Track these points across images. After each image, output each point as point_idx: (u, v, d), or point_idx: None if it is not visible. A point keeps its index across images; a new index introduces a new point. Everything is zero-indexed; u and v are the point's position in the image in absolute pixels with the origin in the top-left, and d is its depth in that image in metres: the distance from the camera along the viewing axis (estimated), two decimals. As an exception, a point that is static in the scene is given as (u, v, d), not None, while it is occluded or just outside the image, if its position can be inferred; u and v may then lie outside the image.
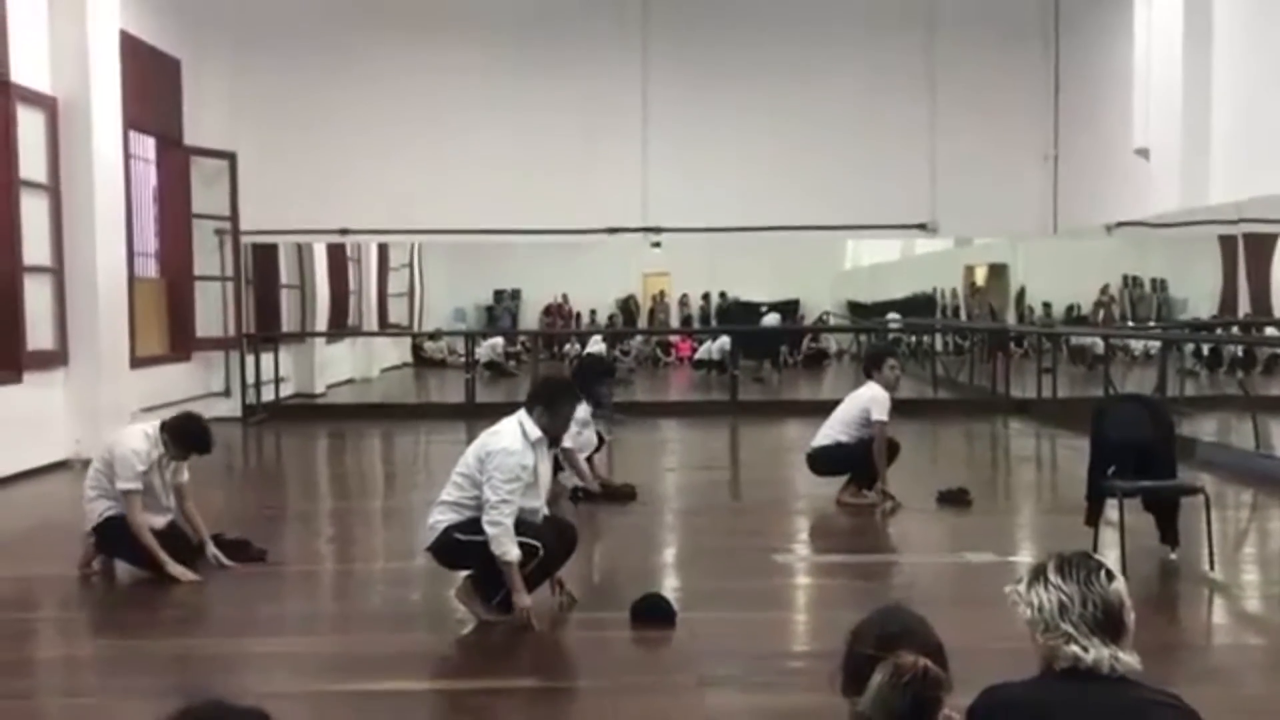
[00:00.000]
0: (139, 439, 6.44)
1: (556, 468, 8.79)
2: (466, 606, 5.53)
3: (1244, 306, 18.49)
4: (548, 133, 14.80)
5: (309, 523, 8.77)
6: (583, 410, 8.82)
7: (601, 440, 9.67)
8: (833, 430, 8.61)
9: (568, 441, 8.60)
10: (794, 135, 14.94)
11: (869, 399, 8.44)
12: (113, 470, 6.36)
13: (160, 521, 6.49)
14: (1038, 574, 2.55)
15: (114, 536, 6.40)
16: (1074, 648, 2.46)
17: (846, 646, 2.40)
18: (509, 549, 5.28)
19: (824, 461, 8.67)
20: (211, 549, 6.58)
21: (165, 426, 6.55)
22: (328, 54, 14.74)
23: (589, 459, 9.21)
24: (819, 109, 14.94)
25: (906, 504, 8.31)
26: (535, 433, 5.49)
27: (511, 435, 5.47)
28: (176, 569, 6.32)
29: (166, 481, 6.52)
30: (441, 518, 5.51)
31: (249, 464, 12.75)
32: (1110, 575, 2.53)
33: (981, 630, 4.09)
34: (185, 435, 6.54)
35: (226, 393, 14.66)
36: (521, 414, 5.56)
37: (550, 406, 5.58)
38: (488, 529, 5.31)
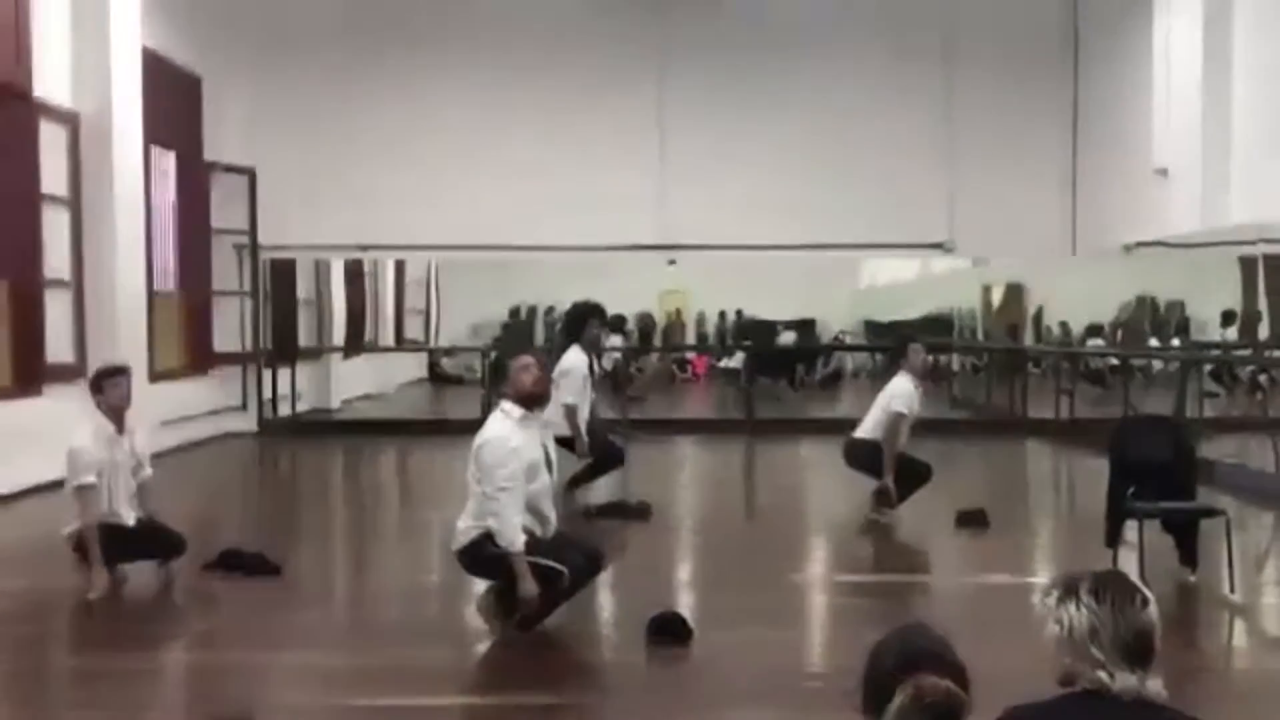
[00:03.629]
0: (84, 435, 6.48)
1: (573, 484, 8.85)
2: (485, 622, 5.53)
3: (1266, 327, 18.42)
4: (565, 150, 14.83)
5: (324, 537, 8.78)
6: (579, 359, 8.73)
7: (622, 458, 9.58)
8: (866, 426, 8.61)
9: (567, 398, 8.53)
10: (812, 154, 14.93)
11: (892, 390, 8.42)
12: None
13: (113, 520, 6.46)
14: (1070, 591, 2.50)
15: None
16: (1101, 673, 2.42)
17: (867, 665, 2.37)
18: (512, 538, 5.27)
19: (854, 454, 8.67)
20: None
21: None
22: (346, 72, 14.82)
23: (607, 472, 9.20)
24: (836, 128, 14.93)
25: (926, 524, 8.27)
26: (516, 411, 5.49)
27: (494, 423, 5.49)
28: (96, 574, 6.28)
29: (122, 480, 6.51)
30: (473, 524, 5.47)
31: (265, 479, 12.78)
32: (1145, 601, 2.48)
33: (1001, 652, 4.06)
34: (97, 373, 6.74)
35: (244, 407, 14.70)
36: (500, 403, 5.60)
37: (507, 374, 5.64)
38: (489, 522, 5.30)
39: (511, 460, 5.31)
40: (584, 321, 9.05)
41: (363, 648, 5.55)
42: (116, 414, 6.56)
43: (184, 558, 6.72)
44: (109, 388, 6.57)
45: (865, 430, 8.60)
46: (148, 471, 6.83)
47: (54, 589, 6.54)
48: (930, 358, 8.92)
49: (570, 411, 8.59)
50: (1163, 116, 11.99)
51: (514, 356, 5.73)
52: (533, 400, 5.57)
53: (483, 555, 5.43)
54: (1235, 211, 11.03)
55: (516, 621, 5.40)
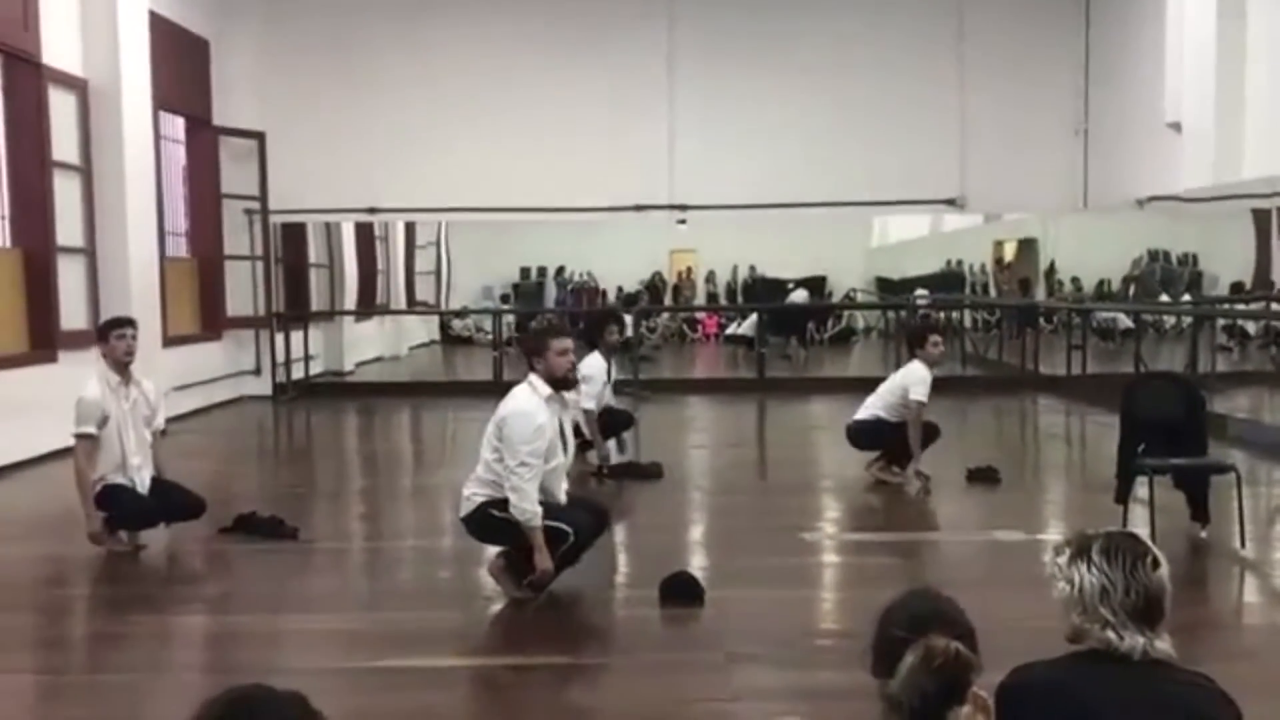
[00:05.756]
0: (92, 386, 6.51)
1: (583, 446, 8.90)
2: (498, 583, 5.57)
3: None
4: (574, 110, 14.79)
5: (339, 500, 8.84)
6: (599, 365, 8.83)
7: (632, 421, 9.69)
8: (874, 406, 8.59)
9: (588, 403, 8.63)
10: (821, 111, 14.87)
11: (909, 378, 8.41)
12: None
13: (119, 478, 6.52)
14: (1081, 550, 2.51)
15: (105, 501, 6.49)
16: (1109, 633, 2.44)
17: (877, 628, 2.39)
18: (531, 514, 5.29)
19: (863, 436, 8.66)
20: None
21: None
22: (355, 33, 14.77)
23: (618, 435, 9.26)
24: (847, 84, 14.85)
25: (936, 482, 8.29)
26: (545, 389, 5.46)
27: (523, 396, 5.45)
28: (95, 526, 6.41)
29: (133, 429, 6.55)
30: (478, 491, 5.49)
31: (279, 442, 12.86)
32: (1156, 562, 2.48)
33: (1011, 608, 4.10)
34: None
35: (257, 371, 14.76)
36: (529, 375, 5.56)
37: (539, 352, 5.53)
38: (509, 495, 5.31)
39: (536, 438, 5.31)
40: (603, 327, 9.25)
41: (377, 610, 5.60)
42: (121, 367, 6.59)
43: (201, 521, 6.78)
44: (114, 339, 6.61)
45: (869, 410, 8.60)
46: (160, 421, 6.86)
47: (72, 554, 6.61)
48: (943, 350, 8.86)
49: (590, 417, 8.69)
50: (1175, 70, 11.89)
51: (556, 335, 5.64)
52: (564, 384, 5.58)
53: (489, 522, 5.46)
54: (1249, 165, 10.96)
55: (528, 583, 5.44)
